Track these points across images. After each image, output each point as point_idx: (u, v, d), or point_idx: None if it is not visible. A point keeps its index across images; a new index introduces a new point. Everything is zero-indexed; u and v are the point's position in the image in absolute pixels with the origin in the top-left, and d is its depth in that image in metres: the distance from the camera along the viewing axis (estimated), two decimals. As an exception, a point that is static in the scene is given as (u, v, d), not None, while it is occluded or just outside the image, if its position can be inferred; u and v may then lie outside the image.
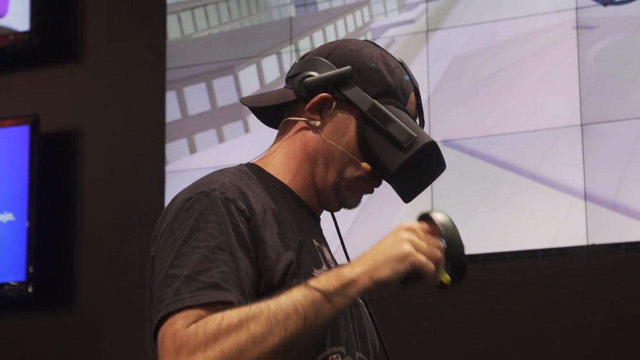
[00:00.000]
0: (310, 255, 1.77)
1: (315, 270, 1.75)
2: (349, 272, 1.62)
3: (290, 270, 1.70)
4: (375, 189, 1.90)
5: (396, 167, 1.80)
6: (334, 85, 1.83)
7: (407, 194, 1.88)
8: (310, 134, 1.85)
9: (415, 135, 1.80)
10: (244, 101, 1.92)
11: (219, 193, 1.69)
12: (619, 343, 3.83)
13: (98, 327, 4.47)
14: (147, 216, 4.45)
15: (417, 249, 1.63)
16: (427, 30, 4.30)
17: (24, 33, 4.75)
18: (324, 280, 1.61)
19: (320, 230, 1.89)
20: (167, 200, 4.43)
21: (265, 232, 1.70)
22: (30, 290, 4.49)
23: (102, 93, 4.68)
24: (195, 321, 1.57)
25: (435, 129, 4.17)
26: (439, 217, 1.65)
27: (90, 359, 4.49)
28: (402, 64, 1.88)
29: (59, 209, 4.65)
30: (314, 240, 1.82)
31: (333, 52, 1.87)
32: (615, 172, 3.93)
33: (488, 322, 3.99)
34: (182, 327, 1.57)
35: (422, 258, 1.63)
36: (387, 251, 1.62)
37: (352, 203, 1.87)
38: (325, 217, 1.93)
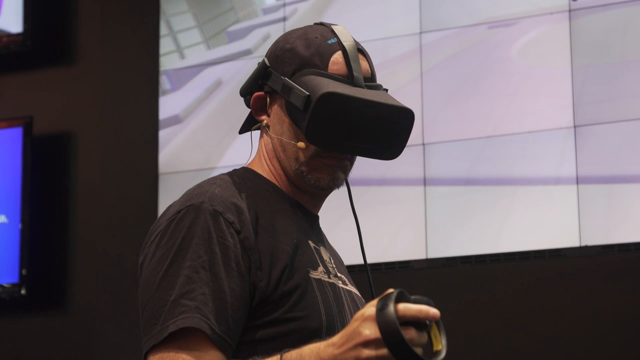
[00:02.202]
0: (306, 257, 1.77)
1: (311, 272, 1.75)
2: None
3: (284, 274, 1.71)
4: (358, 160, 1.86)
5: (305, 133, 1.76)
6: (261, 81, 1.84)
7: (369, 153, 1.82)
8: (264, 135, 1.87)
9: (307, 94, 1.75)
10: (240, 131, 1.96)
11: (208, 206, 1.70)
12: (612, 344, 3.84)
13: (91, 329, 4.47)
14: (140, 218, 4.45)
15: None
16: (421, 32, 4.30)
17: (17, 35, 4.75)
18: None
19: (318, 229, 1.89)
20: (160, 202, 4.43)
21: (257, 241, 1.71)
22: (23, 292, 4.49)
23: (96, 95, 4.68)
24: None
25: (429, 131, 4.18)
26: (381, 320, 1.49)
27: (84, 361, 4.50)
28: (332, 30, 1.84)
29: (52, 211, 4.65)
30: (310, 242, 1.81)
31: (268, 51, 1.88)
32: (607, 174, 3.94)
33: (481, 323, 3.99)
34: None
35: None
36: None
37: (326, 182, 1.81)
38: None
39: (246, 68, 4.52)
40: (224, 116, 4.52)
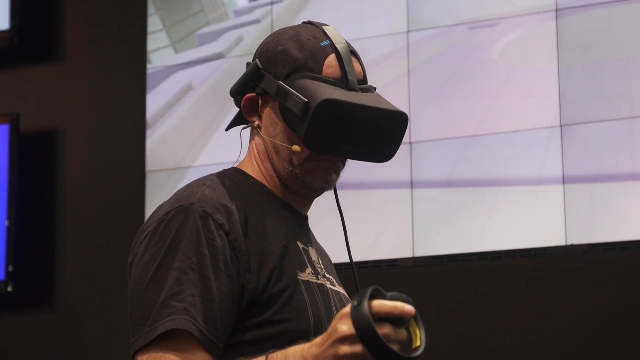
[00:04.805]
0: (295, 259, 1.77)
1: (299, 274, 1.76)
2: None
3: (273, 277, 1.71)
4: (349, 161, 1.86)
5: (304, 139, 1.76)
6: (253, 83, 1.83)
7: (364, 156, 1.82)
8: (256, 136, 1.86)
9: (305, 101, 1.74)
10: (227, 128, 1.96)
11: (198, 207, 1.70)
12: (599, 342, 3.85)
13: (78, 326, 4.47)
14: (127, 215, 4.46)
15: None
16: (408, 31, 4.31)
17: (4, 32, 4.74)
18: None
19: (307, 230, 1.89)
20: (148, 199, 4.43)
21: (246, 243, 1.71)
22: (10, 289, 4.48)
23: (83, 93, 4.68)
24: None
25: (416, 129, 4.19)
26: (355, 317, 1.50)
27: (71, 358, 4.49)
28: (324, 31, 1.84)
29: (39, 208, 4.65)
30: (299, 243, 1.82)
31: (258, 50, 1.87)
32: (593, 173, 3.96)
33: (468, 321, 4.00)
34: None
35: None
36: None
37: (320, 184, 1.82)
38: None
39: (219, 71, 4.49)
40: (196, 118, 4.47)
